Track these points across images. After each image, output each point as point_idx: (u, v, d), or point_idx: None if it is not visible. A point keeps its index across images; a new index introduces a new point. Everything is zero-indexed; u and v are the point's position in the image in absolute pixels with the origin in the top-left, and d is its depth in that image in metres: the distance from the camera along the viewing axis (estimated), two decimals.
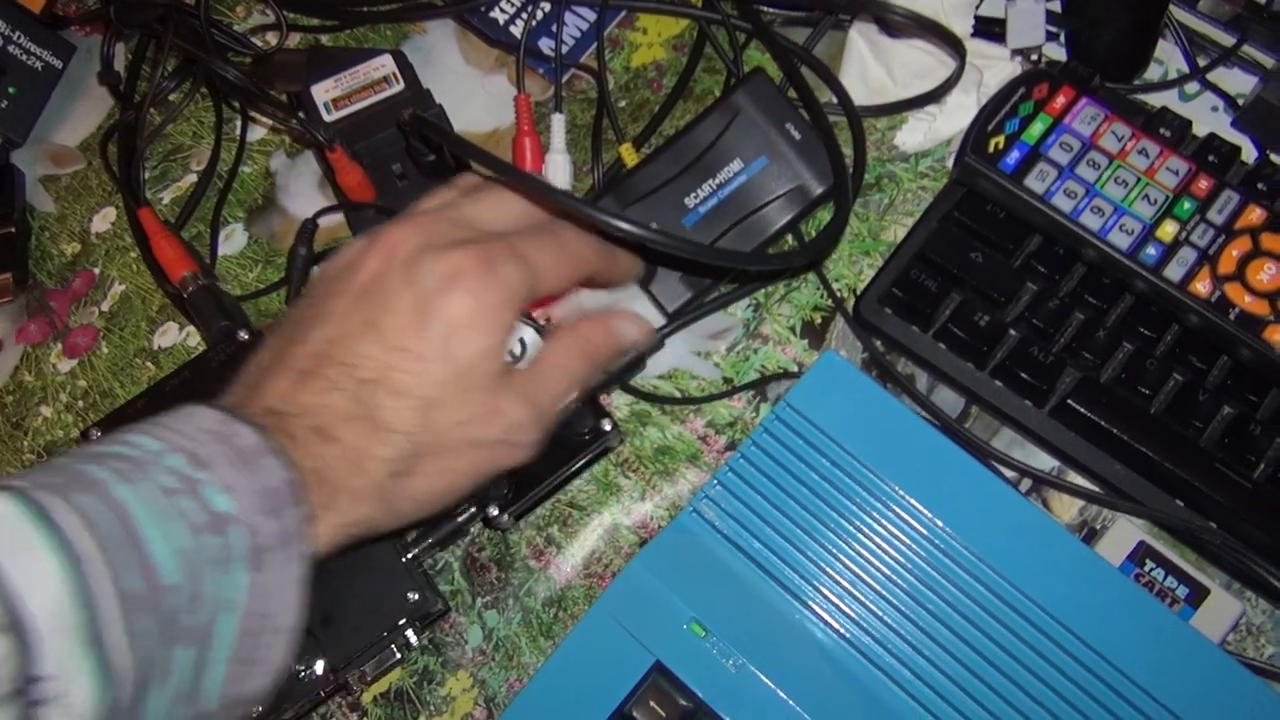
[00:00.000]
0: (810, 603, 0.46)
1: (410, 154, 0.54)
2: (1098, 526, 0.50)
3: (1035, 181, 0.48)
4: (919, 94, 0.56)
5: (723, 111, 0.54)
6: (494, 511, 0.49)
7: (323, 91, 0.57)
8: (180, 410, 0.36)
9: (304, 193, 0.61)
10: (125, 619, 0.30)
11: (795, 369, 0.54)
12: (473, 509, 0.50)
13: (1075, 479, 0.51)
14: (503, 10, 0.61)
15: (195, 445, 0.34)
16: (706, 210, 0.53)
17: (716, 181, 0.53)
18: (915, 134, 0.57)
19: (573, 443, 0.50)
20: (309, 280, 0.55)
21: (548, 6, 0.61)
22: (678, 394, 0.54)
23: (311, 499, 0.36)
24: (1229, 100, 0.56)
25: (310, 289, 0.42)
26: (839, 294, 0.55)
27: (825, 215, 0.56)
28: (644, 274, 0.54)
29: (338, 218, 0.58)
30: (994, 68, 0.57)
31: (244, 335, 0.52)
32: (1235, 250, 0.46)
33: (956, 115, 0.56)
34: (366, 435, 0.37)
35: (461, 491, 0.41)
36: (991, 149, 0.49)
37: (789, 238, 0.55)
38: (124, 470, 0.32)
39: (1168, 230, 0.47)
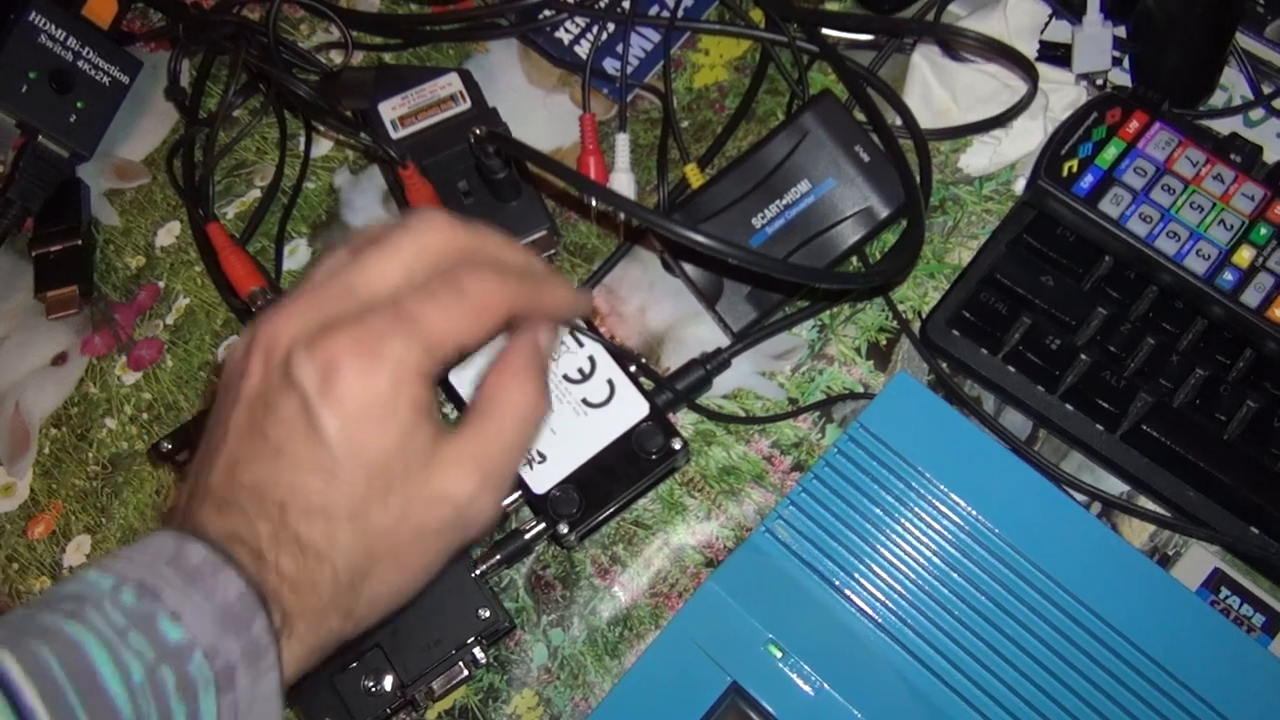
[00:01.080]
0: (885, 624, 0.46)
1: (479, 171, 0.55)
2: (1170, 553, 0.50)
3: (1110, 205, 0.48)
4: (985, 118, 0.57)
5: (791, 132, 0.54)
6: (564, 529, 0.49)
7: (390, 109, 0.58)
8: (145, 536, 0.34)
9: (368, 208, 0.61)
10: None
11: (861, 390, 0.54)
12: (541, 525, 0.50)
13: (1146, 504, 0.51)
14: (567, 30, 0.62)
15: (146, 575, 0.32)
16: (774, 230, 0.54)
17: (784, 202, 0.54)
18: (980, 157, 0.58)
19: (642, 461, 0.50)
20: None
21: (612, 27, 0.61)
22: (743, 414, 0.55)
23: (273, 618, 0.33)
24: None
25: (215, 396, 0.38)
26: (905, 315, 0.55)
27: (890, 238, 0.57)
28: (711, 292, 0.54)
29: None
30: (1059, 92, 0.57)
31: None
32: None
33: (1022, 139, 0.57)
34: (303, 561, 0.34)
35: (425, 579, 0.37)
36: (1065, 173, 0.49)
37: (854, 260, 0.56)
38: (74, 611, 0.31)
39: (1244, 256, 0.47)
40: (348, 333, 0.34)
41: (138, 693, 0.30)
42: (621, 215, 0.58)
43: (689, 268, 0.55)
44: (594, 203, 0.58)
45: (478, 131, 0.51)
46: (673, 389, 0.53)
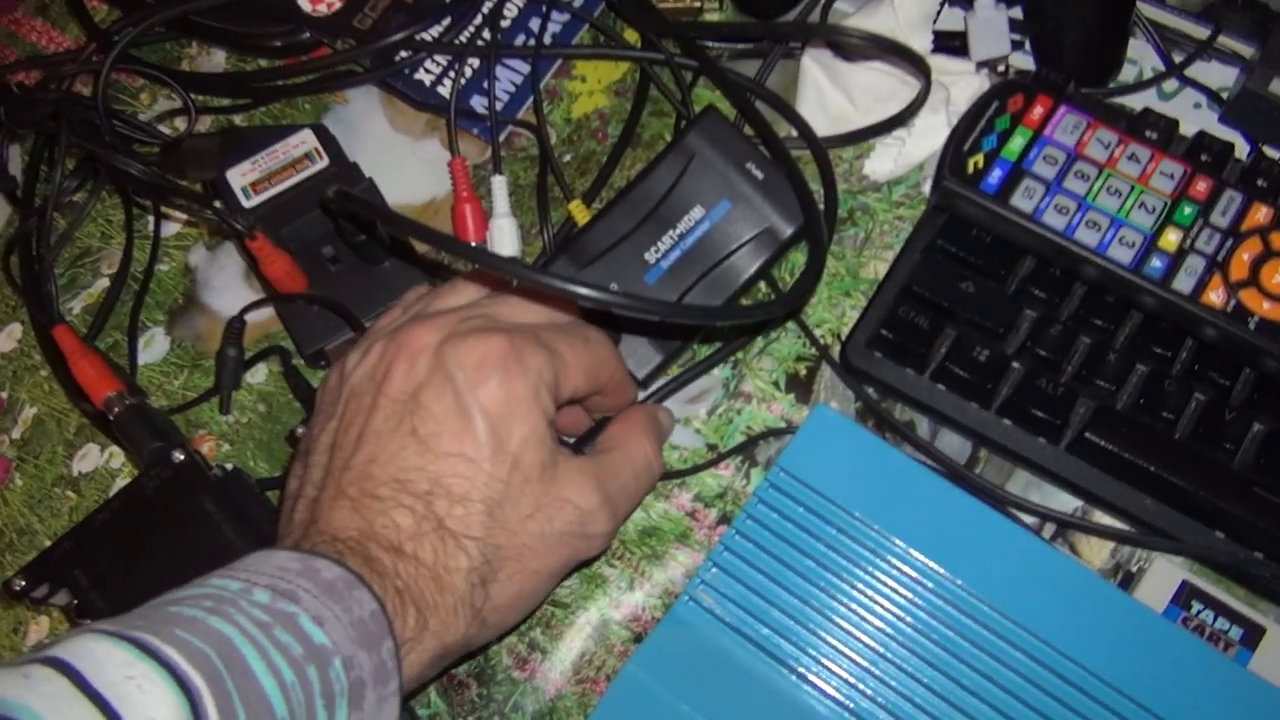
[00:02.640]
0: (830, 688, 0.43)
1: (340, 234, 0.52)
2: (1133, 569, 0.47)
3: (1022, 200, 0.46)
4: (884, 119, 0.55)
5: (676, 156, 0.52)
6: None
7: (239, 176, 0.55)
8: (248, 556, 0.36)
9: (228, 286, 0.58)
10: None
11: (784, 426, 0.51)
12: None
13: (1102, 519, 0.48)
14: (428, 71, 0.59)
15: (277, 581, 0.33)
16: (670, 264, 0.51)
17: (678, 232, 0.51)
18: (885, 161, 0.55)
19: None
20: (314, 394, 0.52)
21: (476, 63, 0.59)
22: None
23: (403, 625, 0.36)
24: (1211, 95, 0.55)
25: (327, 405, 0.42)
26: (822, 340, 0.53)
27: (799, 257, 0.54)
28: (613, 339, 0.51)
29: (268, 311, 0.55)
30: (960, 83, 0.55)
31: (179, 456, 0.49)
32: (1246, 254, 0.44)
33: (927, 137, 0.54)
34: (441, 548, 0.37)
35: (543, 594, 0.41)
36: (971, 169, 0.47)
37: (763, 285, 0.53)
38: (213, 607, 0.32)
39: (1170, 239, 0.45)
40: (498, 338, 0.39)
41: (289, 690, 0.31)
42: None
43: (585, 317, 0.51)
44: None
45: (328, 194, 0.47)
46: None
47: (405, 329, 0.40)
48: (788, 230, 0.51)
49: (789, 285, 0.54)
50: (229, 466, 0.51)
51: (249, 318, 0.54)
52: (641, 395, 0.52)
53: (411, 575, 0.36)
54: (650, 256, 0.51)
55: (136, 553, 0.48)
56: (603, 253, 0.51)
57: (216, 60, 0.63)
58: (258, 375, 0.56)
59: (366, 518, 0.37)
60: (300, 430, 0.49)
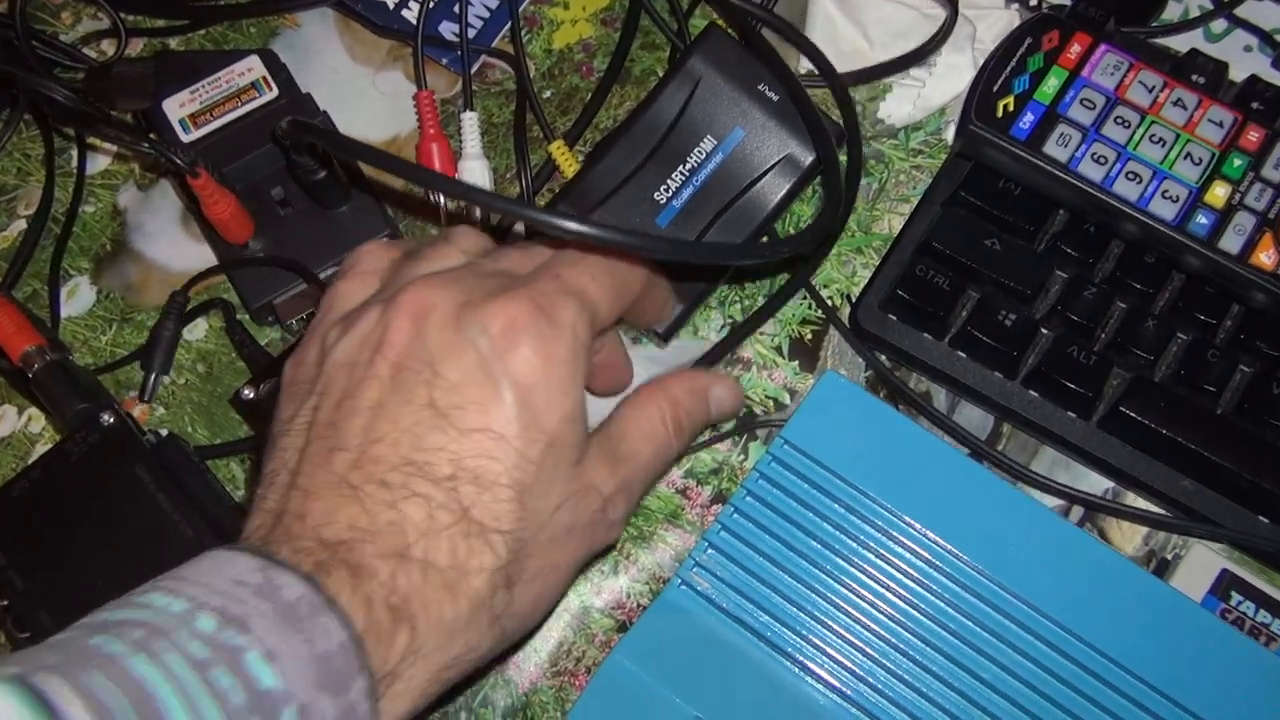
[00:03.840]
0: (835, 680, 0.44)
1: (293, 173, 0.52)
2: (1169, 556, 0.49)
3: (1056, 148, 0.47)
4: (903, 56, 0.55)
5: (680, 82, 0.52)
6: None
7: (177, 106, 0.54)
8: (204, 557, 0.33)
9: (163, 232, 0.58)
10: None
11: (787, 399, 0.52)
12: None
13: (1135, 501, 0.49)
14: None
15: (228, 602, 0.31)
16: (683, 203, 0.51)
17: (688, 167, 0.51)
18: (903, 104, 0.56)
19: None
20: (280, 371, 0.51)
21: None
22: None
23: (388, 652, 0.33)
24: (1264, 36, 0.56)
25: (299, 386, 0.39)
26: (830, 302, 0.53)
27: (805, 209, 0.55)
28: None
29: (212, 258, 0.55)
30: (988, 19, 0.56)
31: (108, 418, 0.49)
32: None
33: (950, 78, 0.55)
34: (462, 545, 0.35)
35: (561, 595, 0.39)
36: (1000, 113, 0.48)
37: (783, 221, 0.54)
38: (143, 640, 0.29)
39: (1218, 194, 0.46)
40: (523, 297, 0.36)
41: None
42: (478, 212, 0.55)
43: None
44: (444, 201, 0.55)
45: (282, 125, 0.47)
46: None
47: (405, 290, 0.37)
48: (810, 156, 0.51)
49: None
50: (163, 432, 0.52)
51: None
52: (664, 351, 0.53)
53: (415, 585, 0.34)
54: (660, 196, 0.51)
55: (61, 526, 0.48)
56: (607, 196, 0.51)
57: None
58: (196, 331, 0.56)
59: (370, 511, 0.34)
60: (247, 392, 0.49)
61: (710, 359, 0.52)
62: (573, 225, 0.37)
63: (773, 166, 0.51)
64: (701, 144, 0.51)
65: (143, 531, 0.48)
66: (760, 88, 0.51)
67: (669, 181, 0.51)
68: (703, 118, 0.51)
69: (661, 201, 0.51)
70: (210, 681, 0.29)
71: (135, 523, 0.48)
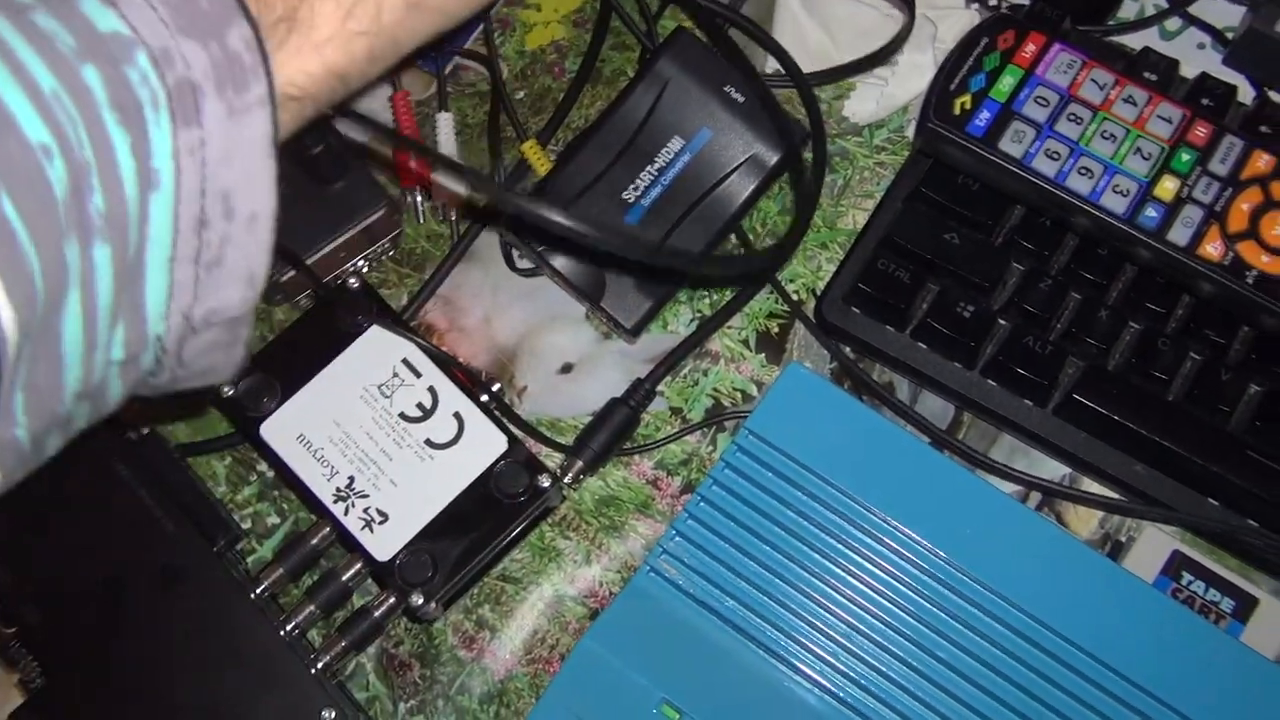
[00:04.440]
0: (799, 663, 0.45)
1: (288, 150, 0.52)
2: (1122, 539, 0.50)
3: (1011, 144, 0.48)
4: (866, 55, 0.56)
5: (649, 83, 0.53)
6: (418, 601, 0.47)
7: None
8: None
9: None
10: None
11: (754, 391, 0.53)
12: (391, 599, 0.48)
13: (1091, 486, 0.51)
14: None
15: None
16: (651, 201, 0.52)
17: (656, 167, 0.53)
18: (866, 102, 0.57)
19: (505, 506, 0.49)
20: (259, 367, 0.52)
21: None
22: None
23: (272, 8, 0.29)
24: (1216, 35, 0.57)
25: None
26: (796, 296, 0.55)
27: (771, 206, 0.56)
28: (592, 289, 0.53)
29: None
30: (949, 18, 0.57)
31: None
32: (1245, 204, 0.47)
33: (912, 77, 0.56)
34: None
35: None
36: (958, 111, 0.49)
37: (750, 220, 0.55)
38: None
39: (1167, 187, 0.47)
40: None
41: (48, 104, 0.24)
42: (453, 214, 0.56)
43: (561, 262, 0.53)
44: (420, 199, 0.56)
45: None
46: (597, 446, 0.51)
47: None
48: (774, 156, 0.53)
49: (760, 239, 0.56)
50: (144, 430, 0.53)
51: None
52: (634, 346, 0.54)
53: None
54: (629, 195, 0.52)
55: (42, 523, 0.49)
56: (578, 195, 0.52)
57: None
58: None
59: None
60: (225, 389, 0.50)
61: (679, 353, 0.53)
62: (552, 216, 0.38)
63: (739, 166, 0.52)
64: (669, 144, 0.53)
65: (126, 525, 0.49)
66: (727, 89, 0.53)
67: (638, 181, 0.52)
68: (671, 119, 0.53)
69: (630, 200, 0.52)
70: (30, 28, 0.25)
71: (118, 515, 0.49)
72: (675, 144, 0.53)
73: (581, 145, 0.54)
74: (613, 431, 0.51)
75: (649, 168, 0.53)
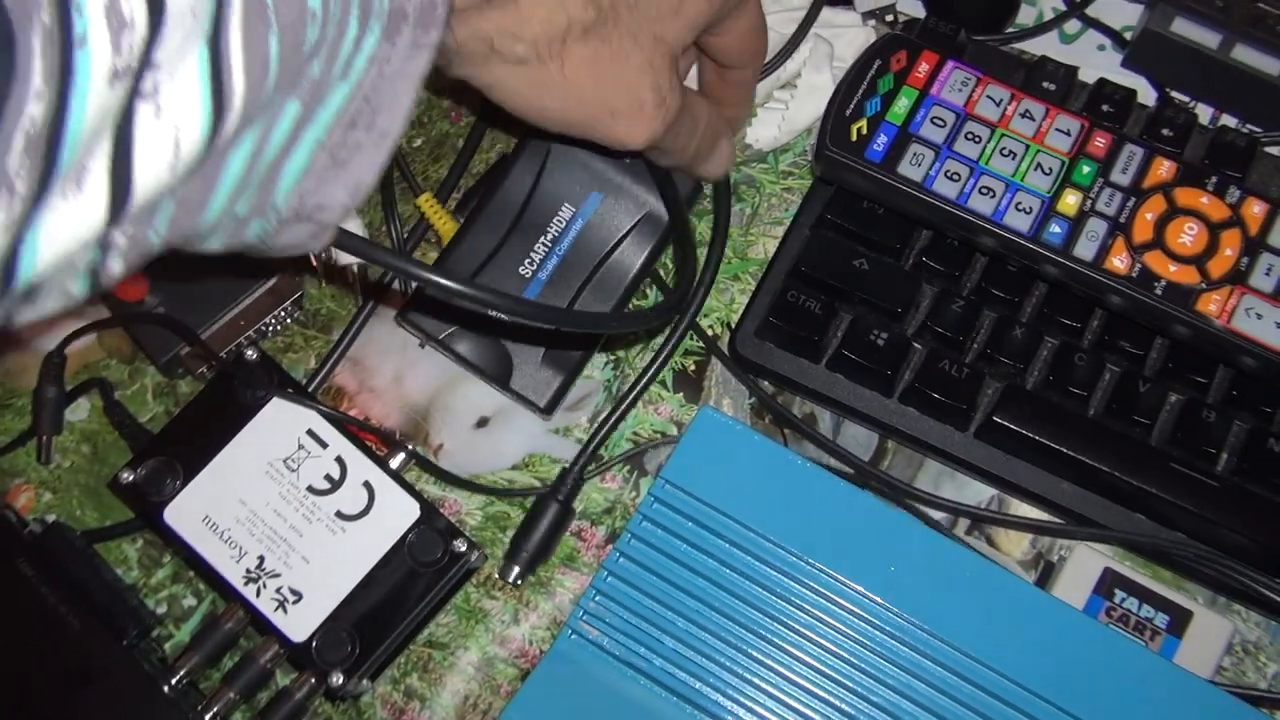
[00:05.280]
0: (727, 716, 0.44)
1: None
2: (1054, 559, 0.49)
3: (910, 167, 0.47)
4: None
5: (530, 155, 0.52)
6: (337, 680, 0.46)
7: None
8: None
9: None
10: (249, 31, 0.26)
11: (674, 432, 0.52)
12: (311, 681, 0.47)
13: (1019, 507, 0.50)
14: None
15: None
16: (548, 274, 0.51)
17: (549, 238, 0.51)
18: (768, 127, 0.56)
19: (423, 575, 0.47)
20: (160, 451, 0.51)
21: None
22: (538, 484, 0.52)
23: None
24: (1115, 37, 0.56)
25: None
26: (710, 331, 0.53)
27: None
28: (499, 369, 0.51)
29: (88, 339, 0.54)
30: (845, 37, 0.56)
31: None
32: (1149, 213, 0.46)
33: (811, 99, 0.55)
34: None
35: (602, 104, 0.41)
36: (854, 136, 0.48)
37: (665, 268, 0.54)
38: None
39: (1069, 202, 0.46)
40: None
41: None
42: (356, 268, 0.55)
43: (464, 346, 0.51)
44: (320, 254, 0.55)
45: None
46: (532, 549, 0.49)
47: None
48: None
49: (672, 275, 0.54)
50: (50, 518, 0.51)
51: (69, 349, 0.53)
52: (554, 422, 0.53)
53: None
54: (526, 270, 0.51)
55: None
56: (472, 275, 0.50)
57: None
58: (79, 412, 0.55)
59: None
60: (125, 475, 0.49)
61: (600, 437, 0.51)
62: (455, 286, 0.38)
63: (634, 226, 0.51)
64: (560, 213, 0.51)
65: (29, 625, 0.47)
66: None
67: (532, 254, 0.51)
68: (558, 188, 0.51)
69: (527, 275, 0.51)
70: None
71: (21, 617, 0.47)
72: (566, 212, 0.51)
73: (472, 222, 0.52)
74: (546, 530, 0.50)
75: (542, 239, 0.51)
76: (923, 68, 0.49)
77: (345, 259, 0.54)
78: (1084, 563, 0.48)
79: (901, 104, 0.48)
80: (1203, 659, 0.45)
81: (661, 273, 0.54)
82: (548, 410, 0.51)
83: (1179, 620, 0.46)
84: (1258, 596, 0.46)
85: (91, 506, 0.53)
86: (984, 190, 0.47)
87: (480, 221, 0.51)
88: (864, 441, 0.52)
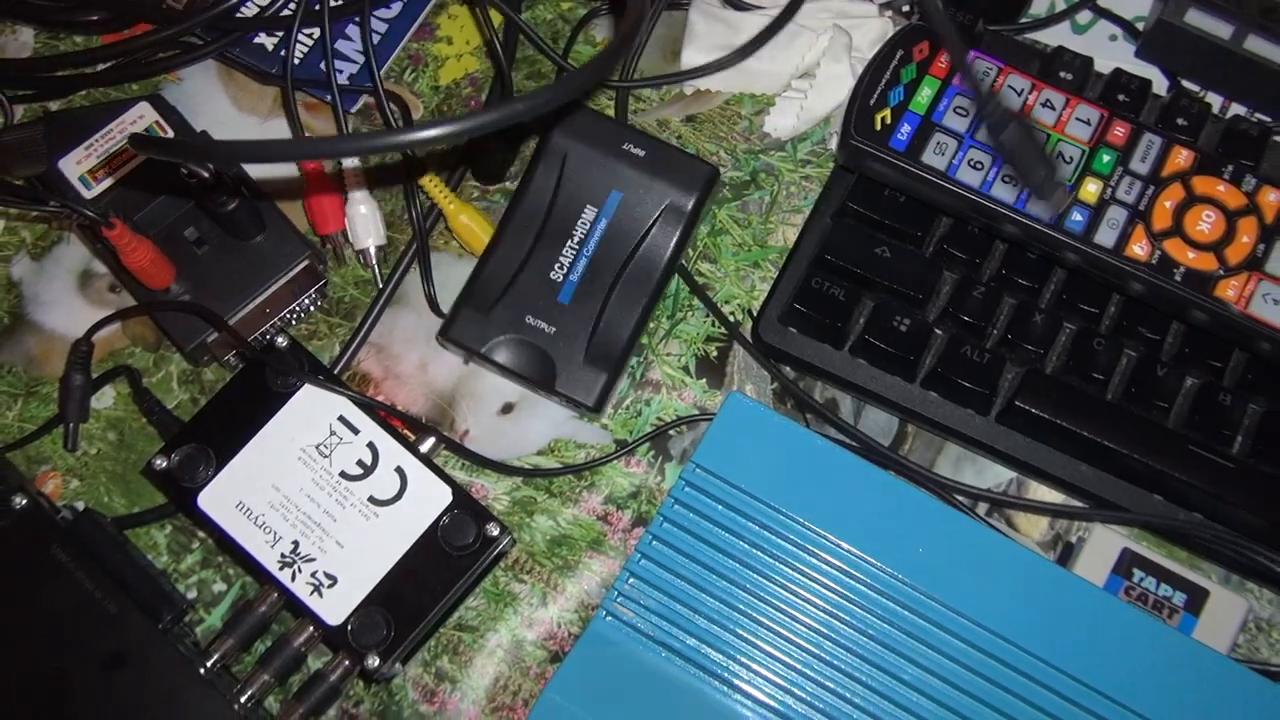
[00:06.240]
0: (764, 695, 0.45)
1: (204, 209, 0.51)
2: (1073, 540, 0.50)
3: (934, 156, 0.48)
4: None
5: (548, 162, 0.52)
6: (374, 663, 0.46)
7: (74, 164, 0.54)
8: None
9: (60, 300, 0.57)
10: None
11: (696, 414, 0.53)
12: (345, 663, 0.47)
13: (1038, 489, 0.51)
14: (271, 35, 0.59)
15: None
16: (580, 276, 0.52)
17: (576, 240, 0.52)
18: (786, 116, 0.57)
19: (456, 559, 0.48)
20: (169, 416, 0.52)
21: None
22: (561, 467, 0.53)
23: None
24: (1127, 27, 0.57)
25: None
26: (732, 318, 0.54)
27: (720, 218, 0.56)
28: (542, 374, 0.51)
29: (112, 327, 0.54)
30: (863, 27, 0.57)
31: (20, 501, 0.48)
32: (1168, 201, 0.47)
33: (830, 88, 0.56)
34: None
35: None
36: (878, 125, 0.49)
37: (691, 254, 0.54)
38: None
39: (1090, 190, 0.47)
40: None
41: None
42: (373, 250, 0.55)
43: (504, 355, 0.52)
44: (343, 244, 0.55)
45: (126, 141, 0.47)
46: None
47: None
48: (690, 198, 0.52)
49: (692, 262, 0.55)
50: (79, 506, 0.51)
51: (96, 336, 0.53)
52: (605, 419, 0.53)
53: None
54: (557, 275, 0.52)
55: None
56: (505, 289, 0.51)
57: (24, 40, 0.61)
58: (104, 399, 0.55)
59: None
60: (159, 462, 0.49)
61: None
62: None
63: (658, 218, 0.52)
64: (583, 215, 0.52)
65: (66, 612, 0.47)
66: (626, 147, 0.52)
67: (561, 259, 0.52)
68: (578, 190, 0.52)
69: (559, 280, 0.51)
70: None
71: (57, 604, 0.47)
72: (589, 213, 0.52)
73: (500, 236, 0.53)
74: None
75: (569, 243, 0.52)
76: (945, 58, 0.50)
77: (363, 241, 0.55)
78: (1103, 543, 0.49)
79: (925, 94, 0.49)
80: (1219, 636, 0.46)
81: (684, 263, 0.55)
82: (596, 409, 0.51)
83: (1196, 598, 0.47)
84: (1272, 575, 0.47)
85: (119, 493, 0.53)
86: (1006, 179, 0.48)
87: (508, 233, 0.52)
88: (884, 426, 0.52)
